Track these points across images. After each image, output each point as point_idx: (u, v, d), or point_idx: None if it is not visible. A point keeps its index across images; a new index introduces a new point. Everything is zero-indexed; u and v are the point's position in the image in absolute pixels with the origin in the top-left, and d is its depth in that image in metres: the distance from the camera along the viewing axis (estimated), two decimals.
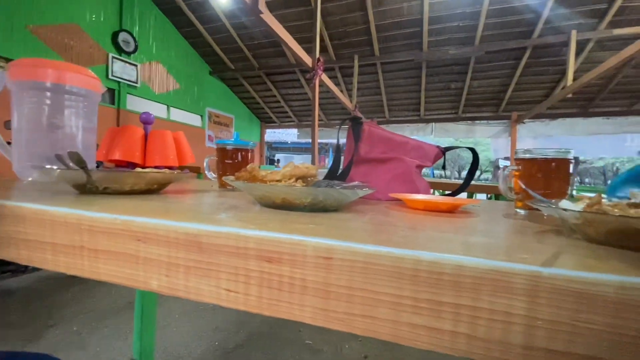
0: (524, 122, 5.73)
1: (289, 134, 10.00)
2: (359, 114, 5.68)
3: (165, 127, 4.79)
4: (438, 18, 4.17)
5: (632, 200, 0.30)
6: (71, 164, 0.49)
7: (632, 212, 0.26)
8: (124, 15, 4.02)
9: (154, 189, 0.53)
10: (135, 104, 4.28)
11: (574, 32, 3.92)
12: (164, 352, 1.47)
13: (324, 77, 3.90)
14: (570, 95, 4.07)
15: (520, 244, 0.28)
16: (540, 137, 5.79)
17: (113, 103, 3.99)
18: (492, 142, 6.37)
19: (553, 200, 0.35)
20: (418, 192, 0.67)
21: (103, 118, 3.87)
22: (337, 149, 0.61)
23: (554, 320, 0.19)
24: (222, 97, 6.12)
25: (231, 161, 0.67)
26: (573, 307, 0.19)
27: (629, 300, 0.18)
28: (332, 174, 0.60)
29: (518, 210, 0.55)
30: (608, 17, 3.77)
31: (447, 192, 0.77)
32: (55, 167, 0.48)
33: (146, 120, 0.98)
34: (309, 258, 0.25)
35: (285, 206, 0.40)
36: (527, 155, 0.53)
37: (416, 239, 0.27)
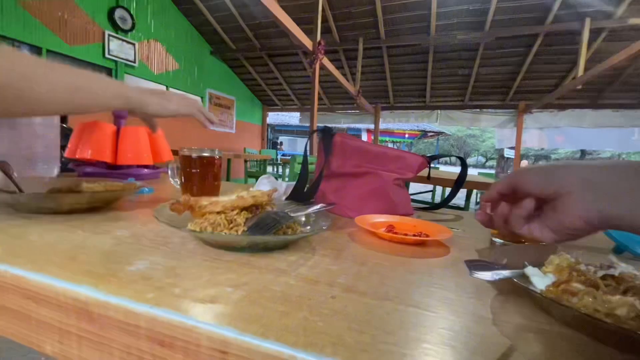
0: (531, 112, 5.56)
1: (293, 117, 9.86)
2: (362, 99, 5.54)
3: None
4: (447, 0, 3.97)
5: (609, 272, 0.25)
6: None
7: (594, 301, 0.21)
8: None
9: (99, 207, 0.49)
10: (134, 84, 4.18)
11: (588, 20, 3.72)
12: None
13: (326, 62, 3.77)
14: (579, 87, 3.91)
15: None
16: (547, 128, 5.60)
17: None
18: (496, 131, 6.19)
19: (523, 267, 0.31)
20: (395, 207, 0.63)
21: None
22: (304, 163, 0.55)
23: None
24: (223, 78, 5.98)
25: (196, 170, 0.62)
26: None
27: None
28: (298, 192, 0.55)
29: (495, 239, 0.50)
30: (624, 5, 3.56)
31: (426, 207, 0.72)
32: None
33: (120, 114, 0.93)
34: (203, 349, 0.21)
35: (222, 247, 0.36)
36: None
37: (337, 320, 0.23)
